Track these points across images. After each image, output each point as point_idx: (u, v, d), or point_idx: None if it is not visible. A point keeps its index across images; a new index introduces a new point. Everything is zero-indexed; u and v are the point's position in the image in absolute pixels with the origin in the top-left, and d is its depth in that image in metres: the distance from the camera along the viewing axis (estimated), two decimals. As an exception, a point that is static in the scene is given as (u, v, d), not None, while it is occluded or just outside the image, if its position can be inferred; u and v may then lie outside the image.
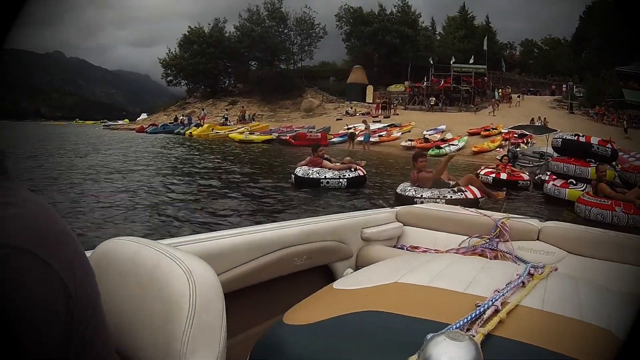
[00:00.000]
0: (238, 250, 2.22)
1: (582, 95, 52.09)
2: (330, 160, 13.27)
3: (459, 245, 3.40)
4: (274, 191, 12.44)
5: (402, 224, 3.68)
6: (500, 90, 53.41)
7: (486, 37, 61.24)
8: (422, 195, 10.27)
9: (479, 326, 1.22)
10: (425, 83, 55.05)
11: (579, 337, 1.28)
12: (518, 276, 1.62)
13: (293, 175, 13.00)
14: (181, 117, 55.33)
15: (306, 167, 12.91)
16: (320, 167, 12.82)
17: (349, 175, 12.68)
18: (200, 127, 45.77)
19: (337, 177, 12.58)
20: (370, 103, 54.33)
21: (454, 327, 1.19)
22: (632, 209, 10.52)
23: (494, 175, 16.02)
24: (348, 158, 14.30)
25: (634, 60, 54.63)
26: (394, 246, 3.53)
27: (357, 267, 3.13)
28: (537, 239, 3.29)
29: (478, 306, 1.31)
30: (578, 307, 1.45)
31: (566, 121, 38.70)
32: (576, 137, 14.22)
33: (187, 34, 66.43)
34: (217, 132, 43.17)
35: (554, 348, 1.17)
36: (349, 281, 1.76)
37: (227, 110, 56.01)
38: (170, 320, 1.18)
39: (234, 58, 66.07)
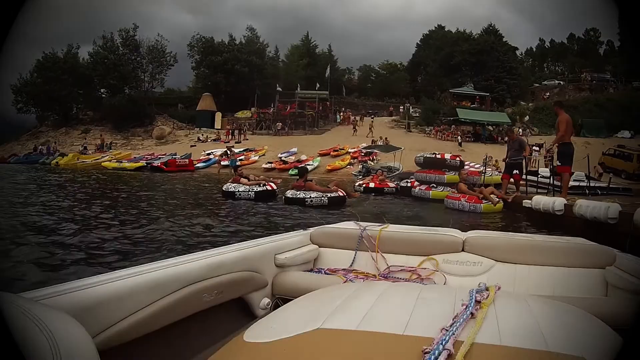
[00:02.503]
0: (135, 293, 1.99)
1: (418, 115, 58.64)
2: (248, 178, 17.62)
3: (385, 267, 3.40)
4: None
5: (317, 246, 3.68)
6: (341, 113, 59.77)
7: (329, 66, 66.64)
8: (310, 196, 15.14)
9: None
10: (272, 109, 59.68)
11: None
12: (464, 306, 1.46)
13: (222, 190, 17.30)
14: (40, 147, 54.67)
15: (229, 183, 17.33)
16: (237, 183, 17.20)
17: (256, 189, 16.77)
18: (65, 157, 46.13)
19: (247, 190, 16.68)
20: (219, 129, 57.85)
21: None
22: (473, 200, 15.36)
23: (364, 185, 21.70)
24: (262, 176, 18.92)
25: (465, 84, 63.40)
26: (311, 270, 3.53)
27: (273, 296, 3.10)
28: (462, 250, 3.37)
29: (426, 353, 1.15)
30: (540, 335, 1.30)
31: (405, 139, 43.64)
32: (434, 155, 20.62)
33: (41, 59, 64.58)
34: (83, 162, 43.96)
35: None
36: (262, 329, 1.55)
37: (85, 139, 56.81)
38: None
39: (86, 85, 66.14)
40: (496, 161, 28.30)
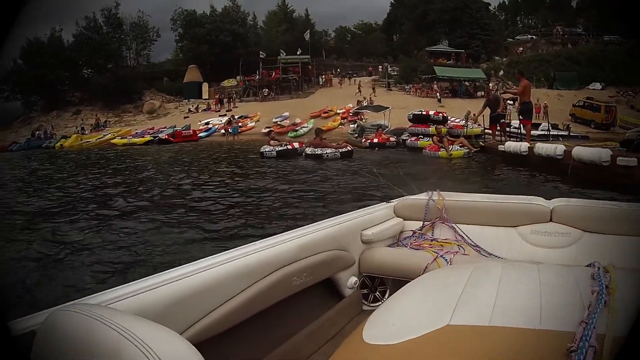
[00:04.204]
0: (224, 283, 1.98)
1: (397, 73, 60.25)
2: (277, 140, 22.24)
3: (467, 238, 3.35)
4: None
5: (402, 219, 3.63)
6: (323, 75, 62.16)
7: (309, 30, 68.38)
8: (326, 152, 18.90)
9: None
10: (257, 76, 61.76)
11: None
12: (595, 294, 1.40)
13: (260, 151, 21.21)
14: (37, 132, 54.09)
15: (265, 146, 21.27)
16: (269, 145, 21.21)
17: (279, 149, 20.86)
18: (68, 139, 46.43)
19: (271, 150, 20.67)
20: (207, 99, 59.41)
21: None
22: (434, 148, 19.83)
23: (370, 140, 25.64)
24: (287, 138, 23.00)
25: (440, 41, 65.46)
26: (396, 243, 3.50)
27: (360, 275, 3.10)
28: (550, 221, 3.22)
29: (572, 351, 1.11)
30: None
31: (387, 97, 46.23)
32: (420, 111, 25.72)
33: (26, 45, 62.21)
34: (87, 141, 45.00)
35: None
36: (382, 328, 1.48)
37: (82, 120, 57.77)
38: None
39: (71, 67, 66.20)
40: (474, 115, 31.84)
